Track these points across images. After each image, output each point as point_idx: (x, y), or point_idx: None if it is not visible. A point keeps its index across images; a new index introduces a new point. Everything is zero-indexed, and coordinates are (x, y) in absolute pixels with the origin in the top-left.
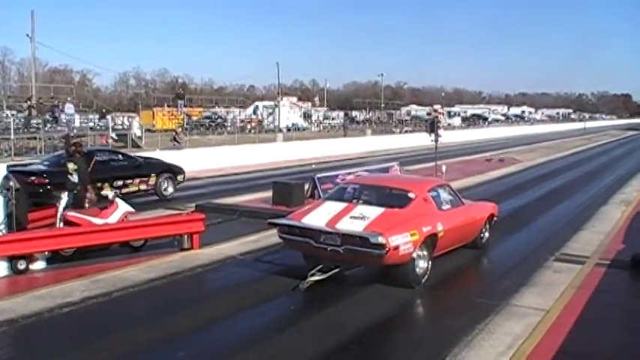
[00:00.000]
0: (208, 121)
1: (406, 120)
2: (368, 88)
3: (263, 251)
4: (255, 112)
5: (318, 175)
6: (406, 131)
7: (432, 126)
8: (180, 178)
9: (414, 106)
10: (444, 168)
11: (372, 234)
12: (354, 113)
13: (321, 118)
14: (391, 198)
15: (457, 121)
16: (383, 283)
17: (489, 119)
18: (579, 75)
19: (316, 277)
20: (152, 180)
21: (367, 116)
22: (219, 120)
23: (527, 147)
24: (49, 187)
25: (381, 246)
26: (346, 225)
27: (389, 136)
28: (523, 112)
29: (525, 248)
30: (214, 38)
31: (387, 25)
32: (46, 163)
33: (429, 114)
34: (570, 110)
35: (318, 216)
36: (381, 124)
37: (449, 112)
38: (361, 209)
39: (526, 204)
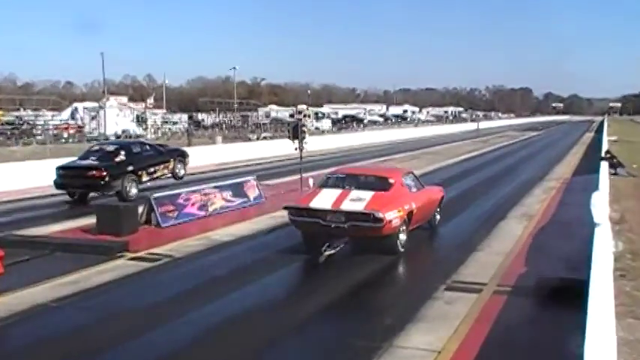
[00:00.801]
0: (10, 127)
1: (264, 124)
2: (218, 85)
3: (83, 294)
4: (73, 116)
5: (155, 196)
6: (265, 137)
7: (296, 131)
8: (187, 160)
9: (274, 107)
10: (311, 182)
11: (374, 211)
12: (200, 116)
13: (159, 123)
14: (376, 183)
15: (327, 124)
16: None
17: (365, 121)
18: (471, 68)
19: (329, 252)
20: (171, 164)
21: (217, 119)
22: (25, 126)
23: (410, 154)
24: (107, 179)
25: (381, 220)
26: (349, 205)
27: (244, 143)
28: (405, 111)
29: (410, 276)
30: (18, 22)
31: (240, 7)
32: (98, 156)
33: (292, 116)
34: (461, 108)
35: (322, 200)
36: (234, 129)
37: (316, 114)
38: (356, 193)
39: None
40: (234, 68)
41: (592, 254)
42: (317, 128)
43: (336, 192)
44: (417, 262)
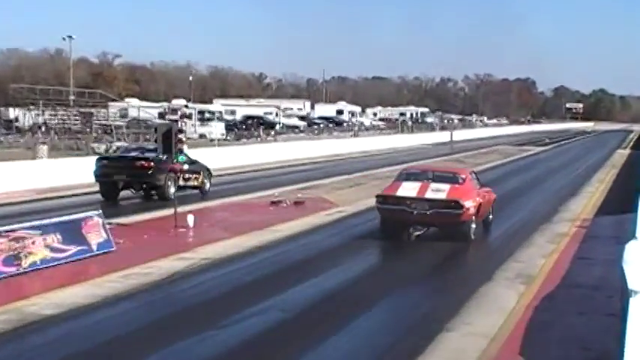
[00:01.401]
0: None
1: (118, 127)
2: (42, 64)
3: None
4: None
5: None
6: (118, 149)
7: (168, 140)
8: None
9: (135, 101)
10: (190, 220)
11: (456, 198)
12: (12, 112)
13: None
14: (450, 178)
15: (218, 129)
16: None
17: (278, 126)
18: (442, 47)
19: (417, 232)
20: (201, 177)
21: (41, 118)
22: None
23: (346, 177)
24: (153, 170)
25: (462, 207)
26: (432, 194)
27: (84, 158)
28: (340, 112)
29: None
30: None
31: None
32: (141, 150)
33: (162, 115)
34: (426, 109)
35: (407, 190)
36: (69, 135)
37: (202, 114)
38: (435, 185)
39: (354, 281)
40: (69, 37)
41: (625, 340)
42: (203, 136)
43: (416, 184)
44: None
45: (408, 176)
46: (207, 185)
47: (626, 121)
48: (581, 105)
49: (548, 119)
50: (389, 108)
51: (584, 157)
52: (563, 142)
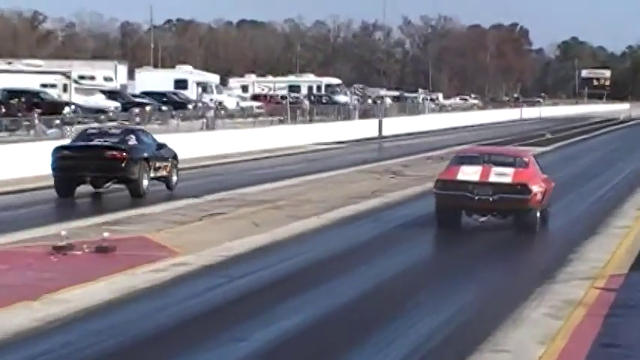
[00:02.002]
0: None
1: None
2: None
3: None
4: None
5: None
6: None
7: None
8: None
9: None
10: None
11: (523, 181)
12: None
13: None
14: (513, 161)
15: None
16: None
17: (67, 108)
18: None
19: (482, 219)
20: (169, 167)
21: None
22: None
23: (191, 202)
24: (127, 162)
25: (529, 191)
26: (496, 178)
27: None
28: (182, 84)
29: None
30: None
31: None
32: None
33: None
34: (336, 79)
35: (467, 175)
36: None
37: None
38: (497, 169)
39: None
40: None
41: None
42: None
43: (477, 168)
44: None
45: (464, 160)
46: (175, 177)
47: None
48: (607, 72)
49: (552, 98)
50: (270, 78)
51: (613, 165)
52: (575, 139)
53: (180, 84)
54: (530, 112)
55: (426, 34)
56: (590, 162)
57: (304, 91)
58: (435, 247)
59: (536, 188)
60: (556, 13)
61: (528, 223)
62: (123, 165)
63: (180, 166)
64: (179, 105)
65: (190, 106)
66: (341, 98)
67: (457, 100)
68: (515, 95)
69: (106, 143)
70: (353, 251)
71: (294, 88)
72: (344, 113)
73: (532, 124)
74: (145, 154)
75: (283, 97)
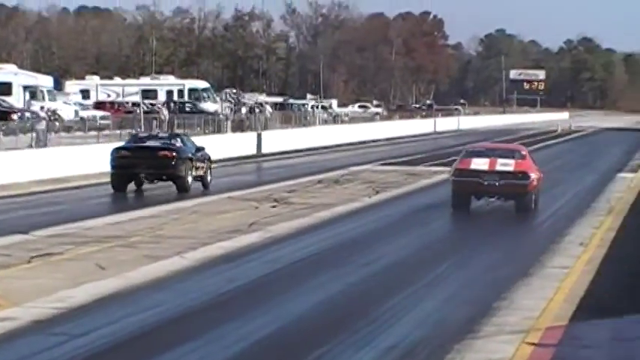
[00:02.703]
0: None
1: None
2: None
3: None
4: None
5: None
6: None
7: None
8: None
9: None
10: None
11: (524, 169)
12: None
13: None
14: (513, 154)
15: None
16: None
17: None
18: None
19: (490, 200)
20: (205, 167)
21: None
22: None
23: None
24: (176, 160)
25: (528, 177)
26: (502, 167)
27: None
28: None
29: None
30: None
31: None
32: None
33: None
34: (200, 82)
35: (478, 164)
36: None
37: None
38: (502, 161)
39: None
40: None
41: None
42: None
43: (485, 160)
44: None
45: (473, 154)
46: (209, 177)
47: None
48: (542, 73)
49: (474, 105)
50: (117, 80)
51: (551, 189)
52: None
53: (2, 88)
54: (446, 124)
55: (316, 25)
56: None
57: (162, 97)
58: (344, 295)
59: (533, 175)
60: (477, 1)
61: (526, 204)
62: (173, 163)
63: (1, 193)
64: (0, 115)
65: (15, 117)
66: (209, 106)
67: (355, 109)
68: (428, 102)
69: (158, 144)
70: (221, 303)
71: (148, 94)
72: (213, 125)
73: (449, 138)
74: (189, 155)
75: (135, 105)
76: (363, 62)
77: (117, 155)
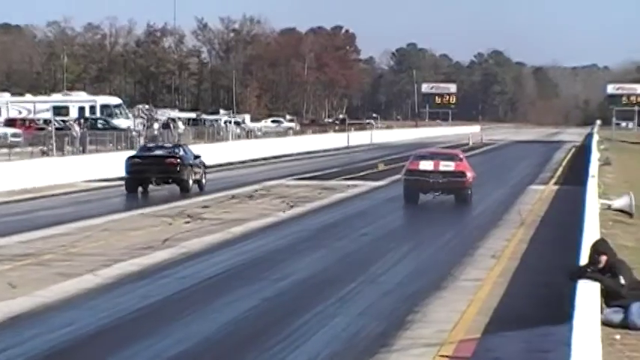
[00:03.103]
0: None
1: None
2: None
3: None
4: None
5: None
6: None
7: None
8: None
9: None
10: None
11: (461, 169)
12: None
13: None
14: (453, 157)
15: None
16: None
17: None
18: None
19: (434, 195)
20: (200, 172)
21: None
22: None
23: None
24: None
25: (465, 175)
26: (444, 167)
27: None
28: None
29: None
30: None
31: None
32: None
33: None
34: (112, 99)
35: (424, 166)
36: None
37: None
38: (444, 162)
39: None
40: None
41: None
42: None
43: (430, 162)
44: None
45: (420, 157)
46: (204, 180)
47: (548, 123)
48: (453, 87)
49: (386, 119)
50: (28, 97)
51: (454, 205)
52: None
53: None
54: (359, 138)
55: (228, 40)
56: (433, 199)
57: (74, 113)
58: (257, 311)
59: (469, 174)
60: (389, 15)
61: (464, 197)
62: (177, 169)
63: None
64: None
65: None
66: (121, 122)
67: (269, 123)
68: (341, 116)
69: (164, 153)
70: (134, 321)
71: (60, 111)
72: (126, 141)
73: (362, 152)
74: (190, 162)
75: (47, 122)
76: (276, 77)
77: (130, 162)
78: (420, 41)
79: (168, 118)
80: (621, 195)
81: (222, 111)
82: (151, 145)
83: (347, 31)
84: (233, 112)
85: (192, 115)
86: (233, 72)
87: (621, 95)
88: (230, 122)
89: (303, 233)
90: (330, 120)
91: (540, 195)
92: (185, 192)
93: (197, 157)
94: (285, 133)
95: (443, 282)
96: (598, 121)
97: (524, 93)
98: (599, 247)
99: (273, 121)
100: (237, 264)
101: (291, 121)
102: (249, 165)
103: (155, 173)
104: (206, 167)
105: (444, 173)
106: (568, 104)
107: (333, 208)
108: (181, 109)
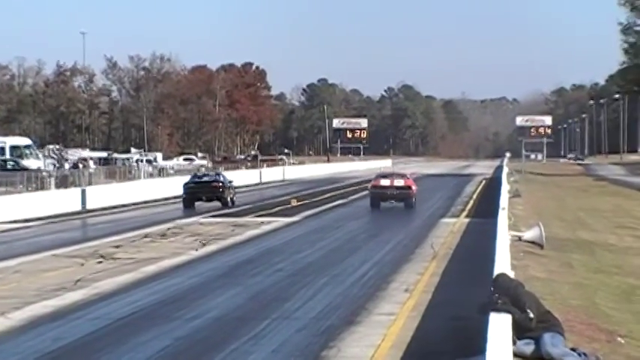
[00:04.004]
0: None
1: None
2: None
3: None
4: None
5: None
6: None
7: None
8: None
9: None
10: None
11: (409, 184)
12: None
13: None
14: (403, 176)
15: None
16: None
17: None
18: None
19: (390, 203)
20: (233, 192)
21: None
22: None
23: None
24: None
25: (411, 188)
26: (397, 183)
27: None
28: None
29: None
30: None
31: None
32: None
33: None
34: (22, 139)
35: (384, 182)
36: None
37: None
38: (397, 180)
39: None
40: None
41: None
42: None
43: (387, 180)
44: None
45: (380, 176)
46: (235, 198)
47: (459, 156)
48: (364, 122)
49: (299, 155)
50: None
51: (376, 236)
52: (328, 207)
53: None
54: (271, 174)
55: (138, 78)
56: (346, 234)
57: None
58: (172, 350)
59: (413, 187)
60: (299, 51)
61: (410, 203)
62: (220, 190)
63: None
64: None
65: None
66: (32, 163)
67: (181, 161)
68: (253, 152)
69: (210, 179)
70: None
71: None
72: (36, 182)
73: (275, 188)
74: (227, 185)
75: None
76: (187, 115)
77: (187, 187)
78: (330, 76)
79: (79, 158)
80: (531, 227)
81: (133, 149)
82: (199, 174)
83: (257, 67)
84: (145, 151)
85: (104, 154)
86: (144, 110)
87: (530, 127)
88: (142, 161)
89: (216, 271)
90: (243, 156)
91: (452, 228)
92: (225, 206)
93: (230, 181)
94: (197, 170)
95: (357, 316)
96: (507, 154)
97: (434, 126)
98: (502, 282)
99: (185, 159)
100: (150, 303)
101: (203, 158)
102: (162, 203)
103: (204, 193)
104: (235, 187)
105: (397, 187)
106: (478, 137)
107: (247, 244)
108: (93, 149)
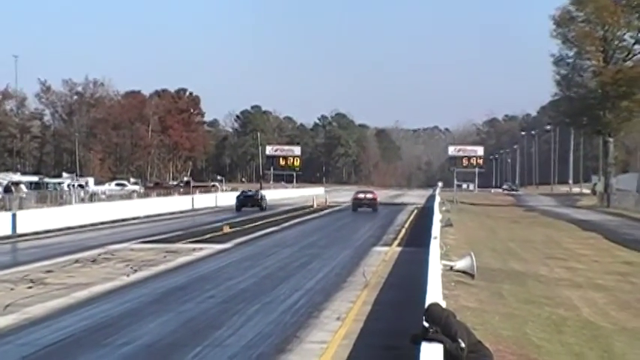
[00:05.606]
0: None
1: None
2: None
3: None
4: None
5: None
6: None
7: None
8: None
9: None
10: None
11: (375, 197)
12: None
13: None
14: (372, 192)
15: None
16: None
17: None
18: None
19: (364, 209)
20: (266, 200)
21: None
22: None
23: None
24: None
25: (376, 199)
26: (369, 195)
27: None
28: None
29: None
30: None
31: None
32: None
33: None
34: None
35: (361, 195)
36: None
37: None
38: (368, 194)
39: None
40: None
41: None
42: None
43: (363, 194)
44: None
45: (359, 192)
46: (266, 205)
47: (392, 184)
48: (297, 149)
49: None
50: None
51: (307, 265)
52: (261, 233)
53: None
54: (204, 200)
55: (71, 102)
56: (278, 262)
57: None
58: None
59: (377, 199)
60: (233, 78)
61: (376, 209)
62: (260, 200)
63: None
64: None
65: None
66: None
67: (113, 186)
68: (186, 179)
69: (254, 194)
70: None
71: None
72: None
73: (207, 214)
74: (263, 197)
75: None
76: (120, 140)
77: (239, 198)
78: (264, 103)
79: (10, 182)
80: (463, 256)
81: (65, 174)
82: (246, 190)
83: (191, 93)
84: (76, 176)
85: (35, 178)
86: (76, 135)
87: (462, 157)
88: (73, 185)
89: (148, 297)
90: (175, 183)
91: (384, 256)
92: (263, 211)
93: (264, 195)
94: (129, 196)
95: (289, 344)
96: (440, 183)
97: (367, 155)
98: (433, 312)
99: (117, 184)
100: (80, 329)
101: (135, 184)
102: (94, 228)
103: (250, 202)
104: (265, 198)
105: (368, 198)
106: (410, 166)
107: (179, 271)
108: (23, 173)
